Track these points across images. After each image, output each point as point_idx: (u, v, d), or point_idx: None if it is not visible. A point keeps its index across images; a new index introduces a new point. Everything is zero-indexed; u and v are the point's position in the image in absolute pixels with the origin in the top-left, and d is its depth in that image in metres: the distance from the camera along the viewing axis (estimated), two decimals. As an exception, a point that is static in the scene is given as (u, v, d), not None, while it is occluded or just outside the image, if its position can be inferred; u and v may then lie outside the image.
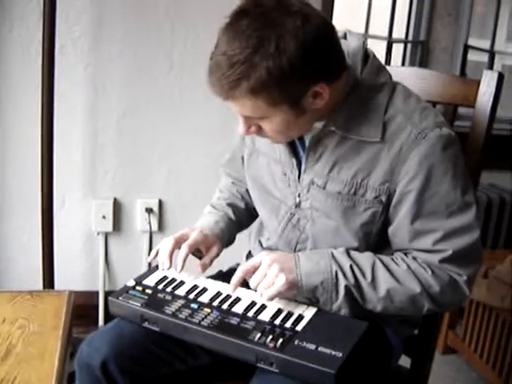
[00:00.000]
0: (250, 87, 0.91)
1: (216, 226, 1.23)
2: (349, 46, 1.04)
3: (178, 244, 1.14)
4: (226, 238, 1.24)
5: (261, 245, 1.25)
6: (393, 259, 1.05)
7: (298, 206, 1.12)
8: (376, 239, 1.08)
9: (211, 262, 1.18)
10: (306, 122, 1.02)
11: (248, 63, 0.89)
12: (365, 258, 1.04)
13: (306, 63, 0.91)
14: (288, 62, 0.89)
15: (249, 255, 1.30)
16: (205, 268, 1.17)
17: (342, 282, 1.01)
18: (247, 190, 1.30)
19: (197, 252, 1.18)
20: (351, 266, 1.02)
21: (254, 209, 1.28)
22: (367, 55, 1.05)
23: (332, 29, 0.97)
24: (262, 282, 1.02)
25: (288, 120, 0.99)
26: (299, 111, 0.98)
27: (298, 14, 0.91)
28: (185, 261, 1.13)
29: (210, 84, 0.96)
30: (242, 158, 1.25)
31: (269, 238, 1.21)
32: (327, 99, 0.97)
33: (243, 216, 1.31)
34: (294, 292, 1.03)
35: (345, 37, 1.06)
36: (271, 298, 1.02)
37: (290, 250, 1.14)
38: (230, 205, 1.30)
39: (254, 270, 1.04)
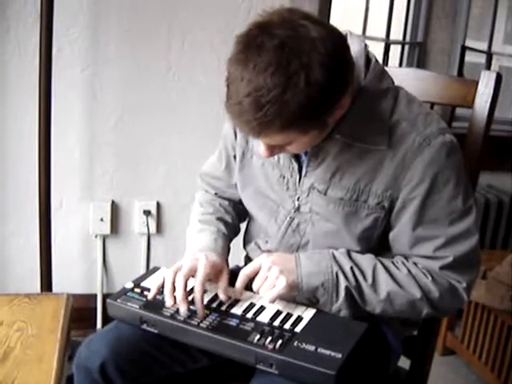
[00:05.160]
0: (283, 124, 0.88)
1: (216, 244, 1.16)
2: (350, 49, 1.02)
3: (187, 280, 1.05)
4: (226, 254, 1.18)
5: (259, 247, 1.23)
6: (393, 262, 1.05)
7: (297, 209, 1.11)
8: (377, 243, 1.08)
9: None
10: (327, 132, 1.01)
11: (279, 103, 0.85)
12: (366, 260, 1.04)
13: (334, 86, 0.89)
14: (319, 92, 0.87)
15: (246, 258, 1.29)
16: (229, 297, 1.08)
17: (343, 283, 1.01)
18: (230, 203, 1.28)
19: None
20: (352, 268, 1.02)
21: (239, 221, 1.27)
22: (369, 59, 1.04)
23: (343, 39, 0.94)
24: (263, 285, 1.02)
25: (313, 138, 0.98)
26: (324, 128, 0.97)
27: (315, 37, 0.87)
28: (203, 301, 1.04)
29: (236, 125, 0.93)
30: (235, 157, 1.22)
31: (267, 241, 1.20)
32: (346, 107, 0.98)
33: (231, 231, 1.25)
34: (295, 293, 1.03)
35: (345, 38, 1.05)
36: (273, 301, 1.02)
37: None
38: (219, 219, 1.23)
39: (256, 273, 1.04)
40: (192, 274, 1.06)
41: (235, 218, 1.28)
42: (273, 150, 1.00)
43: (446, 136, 1.01)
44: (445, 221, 1.01)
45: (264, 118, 0.87)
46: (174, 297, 1.03)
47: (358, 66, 1.02)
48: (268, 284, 1.02)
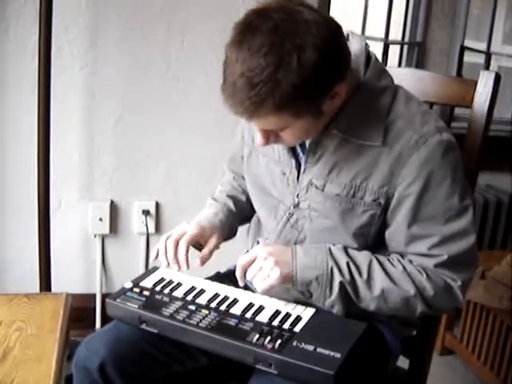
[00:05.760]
0: (276, 104, 0.89)
1: (215, 217, 1.22)
2: (351, 47, 1.02)
3: (178, 243, 1.14)
4: (226, 229, 1.23)
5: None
6: (389, 260, 1.05)
7: (296, 206, 1.12)
8: (374, 240, 1.09)
9: (211, 253, 1.17)
10: (323, 123, 1.02)
11: (272, 82, 0.87)
12: (362, 256, 1.04)
13: (327, 69, 0.90)
14: (311, 73, 0.88)
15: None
16: (204, 261, 1.15)
17: (337, 279, 1.01)
18: None
19: (198, 245, 1.18)
20: (348, 263, 1.02)
21: None
22: (369, 57, 1.05)
23: (338, 26, 0.95)
24: (257, 275, 1.02)
25: (308, 126, 0.98)
26: (319, 115, 0.97)
27: (309, 20, 0.88)
28: (187, 258, 1.12)
29: (230, 106, 0.93)
30: (242, 157, 1.25)
31: (267, 237, 1.21)
32: (343, 97, 0.98)
33: (244, 208, 1.30)
34: (288, 285, 1.04)
35: (347, 38, 1.06)
36: (265, 291, 1.02)
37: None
38: (230, 196, 1.30)
39: (252, 263, 1.04)
40: (182, 236, 1.14)
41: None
42: (268, 137, 1.01)
43: (442, 134, 1.01)
44: (440, 219, 1.01)
45: (257, 97, 0.88)
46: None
47: (358, 63, 1.02)
48: (262, 274, 1.02)
